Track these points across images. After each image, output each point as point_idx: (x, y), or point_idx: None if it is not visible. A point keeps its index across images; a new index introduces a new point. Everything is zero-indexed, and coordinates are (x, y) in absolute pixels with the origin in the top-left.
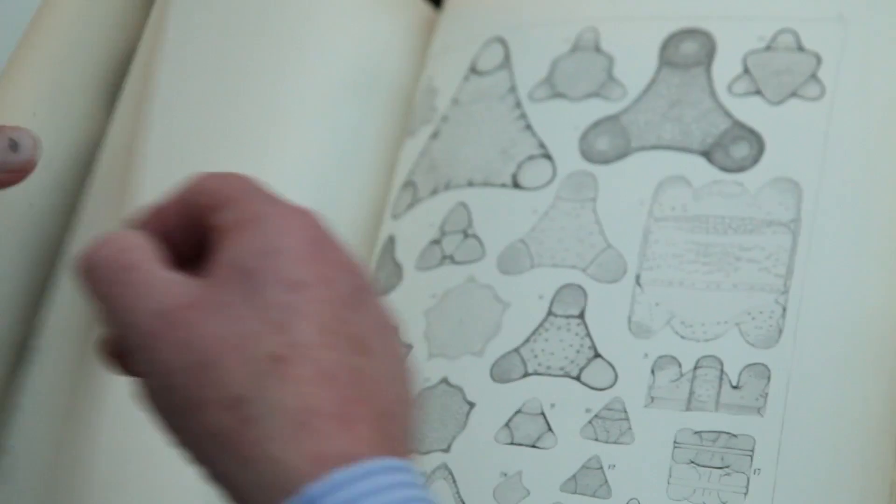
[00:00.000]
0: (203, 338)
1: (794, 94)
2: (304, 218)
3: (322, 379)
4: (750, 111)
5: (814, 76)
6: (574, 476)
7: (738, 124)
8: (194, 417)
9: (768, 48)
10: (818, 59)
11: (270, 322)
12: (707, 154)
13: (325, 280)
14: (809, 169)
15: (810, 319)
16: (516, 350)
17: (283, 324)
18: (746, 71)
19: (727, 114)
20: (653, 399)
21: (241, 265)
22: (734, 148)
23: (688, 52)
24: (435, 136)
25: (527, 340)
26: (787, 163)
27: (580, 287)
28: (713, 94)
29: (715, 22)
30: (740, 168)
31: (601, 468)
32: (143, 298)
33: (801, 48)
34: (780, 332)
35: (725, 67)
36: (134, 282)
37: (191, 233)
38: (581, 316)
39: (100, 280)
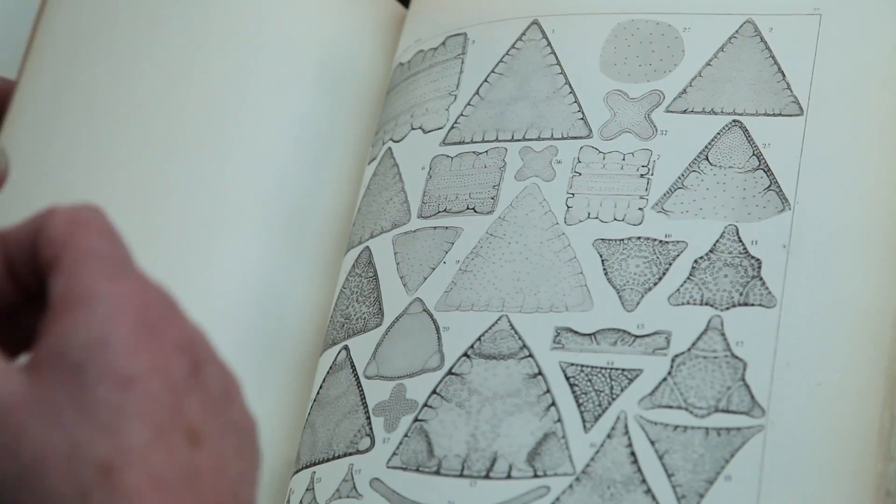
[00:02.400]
0: (30, 445)
1: None
2: (135, 298)
3: (152, 486)
4: None
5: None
6: None
7: None
8: None
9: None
10: None
11: (100, 425)
12: None
13: (156, 369)
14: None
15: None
16: None
17: (113, 426)
18: None
19: None
20: None
21: (68, 359)
22: None
23: None
24: None
25: None
26: None
27: None
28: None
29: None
30: None
31: None
32: None
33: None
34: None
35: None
36: None
37: (35, 271)
38: None
39: None
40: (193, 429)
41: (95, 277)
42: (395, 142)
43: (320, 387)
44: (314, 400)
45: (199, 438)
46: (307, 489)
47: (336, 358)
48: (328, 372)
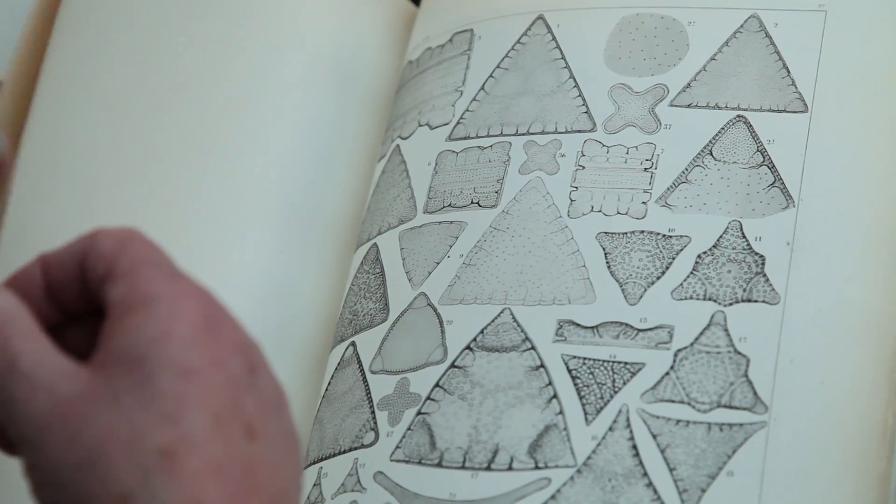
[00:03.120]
0: (93, 432)
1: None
2: (195, 298)
3: (212, 472)
4: None
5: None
6: None
7: None
8: None
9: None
10: None
11: (161, 413)
12: None
13: (217, 363)
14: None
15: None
16: None
17: (174, 414)
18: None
19: None
20: None
21: (132, 352)
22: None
23: None
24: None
25: None
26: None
27: None
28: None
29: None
30: None
31: None
32: (31, 391)
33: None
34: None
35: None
36: (20, 372)
37: (81, 289)
38: None
39: None
40: (250, 424)
41: (154, 280)
42: (403, 139)
43: (329, 383)
44: (323, 396)
45: (255, 434)
46: (314, 484)
47: (344, 354)
48: (336, 368)
